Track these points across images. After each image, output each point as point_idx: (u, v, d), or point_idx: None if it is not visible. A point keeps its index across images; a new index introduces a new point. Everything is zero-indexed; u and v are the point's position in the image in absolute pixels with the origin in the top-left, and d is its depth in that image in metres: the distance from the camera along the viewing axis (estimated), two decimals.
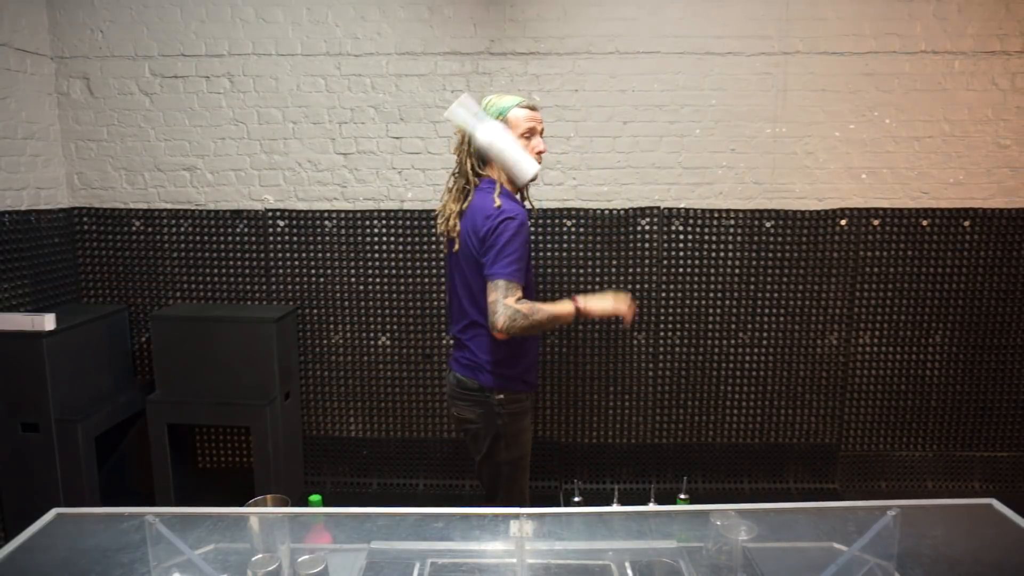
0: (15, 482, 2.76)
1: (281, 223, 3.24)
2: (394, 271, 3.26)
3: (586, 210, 3.20)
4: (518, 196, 2.08)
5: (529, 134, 2.00)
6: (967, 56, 3.07)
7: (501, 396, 2.00)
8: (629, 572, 1.28)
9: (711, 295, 3.25)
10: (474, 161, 2.00)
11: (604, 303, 1.99)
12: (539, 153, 2.02)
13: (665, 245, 3.23)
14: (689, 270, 3.24)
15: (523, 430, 2.07)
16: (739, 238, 3.21)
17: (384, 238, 3.24)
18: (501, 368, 2.00)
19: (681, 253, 3.23)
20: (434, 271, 3.25)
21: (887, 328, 3.27)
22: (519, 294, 1.87)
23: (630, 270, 3.24)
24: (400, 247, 3.24)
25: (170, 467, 2.97)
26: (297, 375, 3.29)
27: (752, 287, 3.24)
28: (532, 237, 3.17)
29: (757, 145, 3.15)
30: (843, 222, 3.20)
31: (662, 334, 3.29)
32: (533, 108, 2.02)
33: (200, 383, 2.94)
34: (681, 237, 3.22)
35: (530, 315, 1.85)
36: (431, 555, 1.32)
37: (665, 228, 3.22)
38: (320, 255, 3.26)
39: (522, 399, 2.05)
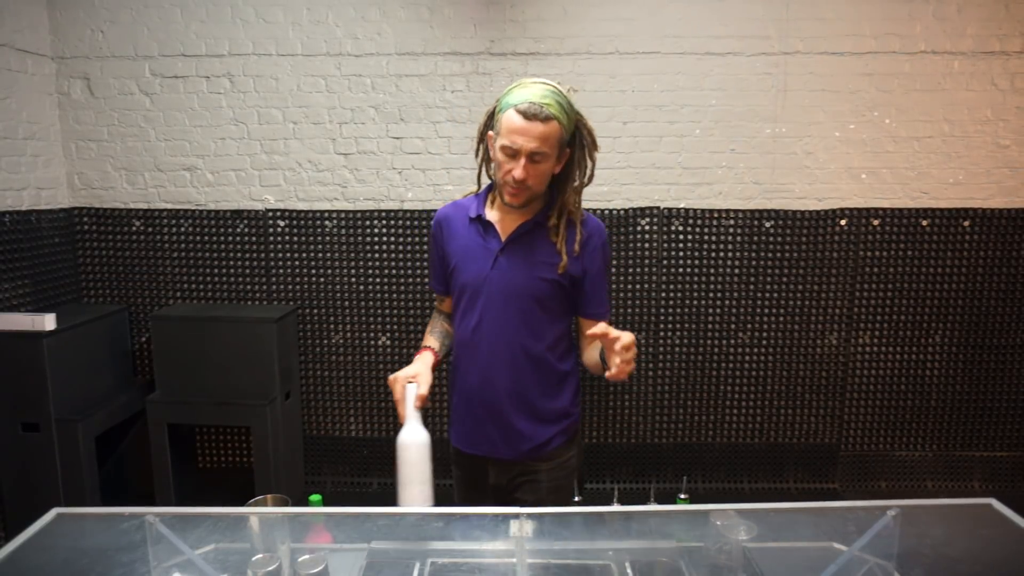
0: (15, 482, 2.76)
1: (281, 223, 3.24)
2: (394, 271, 3.26)
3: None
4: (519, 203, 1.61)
5: (509, 152, 1.50)
6: (967, 56, 3.07)
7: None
8: (629, 572, 1.28)
9: (711, 295, 3.25)
10: (485, 166, 1.70)
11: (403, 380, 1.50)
12: (515, 179, 1.51)
13: (665, 245, 3.23)
14: (689, 270, 3.24)
15: (454, 476, 1.81)
16: (739, 238, 3.21)
17: (384, 238, 3.24)
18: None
19: (681, 253, 3.23)
20: None
21: (887, 328, 3.27)
22: (440, 302, 1.81)
23: (630, 270, 3.24)
24: (400, 247, 3.24)
25: (170, 467, 2.97)
26: (297, 375, 3.29)
27: (752, 287, 3.24)
28: None
29: (757, 145, 3.15)
30: (843, 222, 3.20)
31: (662, 334, 3.29)
32: (534, 118, 1.47)
33: (200, 383, 2.94)
34: (681, 237, 3.22)
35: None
36: (431, 555, 1.32)
37: (665, 228, 3.22)
38: (320, 255, 3.26)
39: (452, 444, 1.78)
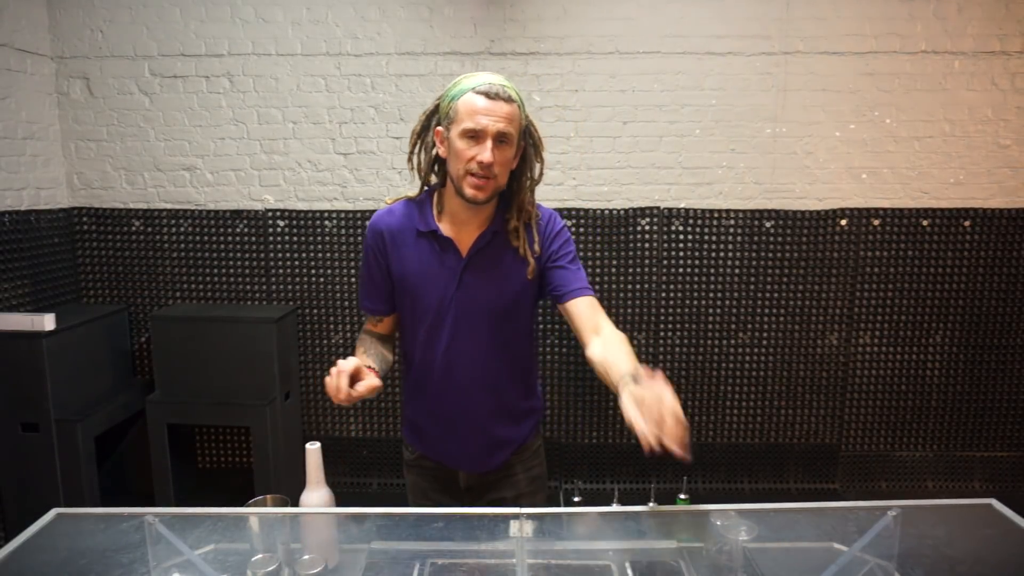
0: (15, 482, 2.76)
1: (281, 223, 3.24)
2: None
3: (586, 210, 3.20)
4: (493, 206, 1.53)
5: (472, 135, 1.40)
6: (967, 56, 3.06)
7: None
8: (629, 572, 1.28)
9: (711, 295, 3.25)
10: (426, 169, 1.57)
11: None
12: (479, 163, 1.39)
13: (665, 245, 3.23)
14: (689, 270, 3.24)
15: (408, 483, 1.73)
16: (739, 238, 3.21)
17: None
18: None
19: (681, 253, 3.23)
20: None
21: (887, 328, 3.27)
22: (375, 322, 1.65)
23: (630, 270, 3.24)
24: None
25: (170, 467, 2.96)
26: (297, 375, 3.29)
27: (752, 287, 3.24)
28: None
29: (757, 145, 3.15)
30: (843, 222, 3.20)
31: (662, 334, 3.29)
32: (497, 98, 1.40)
33: (200, 383, 2.93)
34: (681, 237, 3.22)
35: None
36: (431, 555, 1.31)
37: (665, 228, 3.22)
38: (320, 255, 3.26)
39: (409, 449, 1.71)
